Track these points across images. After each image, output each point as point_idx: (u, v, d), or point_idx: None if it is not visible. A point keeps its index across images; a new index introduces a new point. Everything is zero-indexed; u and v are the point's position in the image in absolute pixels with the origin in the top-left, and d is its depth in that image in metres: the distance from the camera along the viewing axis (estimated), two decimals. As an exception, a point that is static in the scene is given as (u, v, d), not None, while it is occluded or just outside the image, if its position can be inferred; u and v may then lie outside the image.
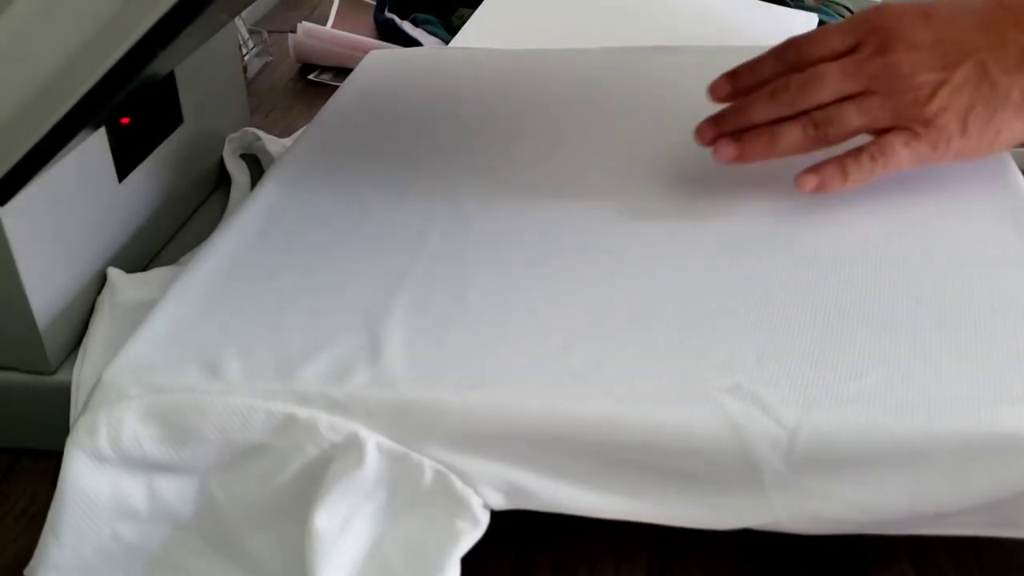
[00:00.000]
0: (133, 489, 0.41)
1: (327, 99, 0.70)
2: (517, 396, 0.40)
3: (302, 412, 0.40)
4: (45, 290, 0.50)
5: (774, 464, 0.38)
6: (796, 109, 0.50)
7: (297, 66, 0.98)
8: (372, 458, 0.40)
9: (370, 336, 0.44)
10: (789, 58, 0.52)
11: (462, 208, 0.54)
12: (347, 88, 0.71)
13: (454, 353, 0.43)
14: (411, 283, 0.48)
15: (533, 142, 0.61)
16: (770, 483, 0.39)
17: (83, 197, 0.53)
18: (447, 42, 0.95)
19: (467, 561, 0.40)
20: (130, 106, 0.56)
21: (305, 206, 0.56)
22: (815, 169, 0.50)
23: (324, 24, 0.98)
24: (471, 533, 0.40)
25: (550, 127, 0.63)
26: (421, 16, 0.99)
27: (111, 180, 0.55)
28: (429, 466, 0.40)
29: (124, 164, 0.56)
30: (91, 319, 0.52)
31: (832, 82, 0.50)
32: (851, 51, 0.50)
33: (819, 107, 0.50)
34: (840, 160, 0.50)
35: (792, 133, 0.50)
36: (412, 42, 0.94)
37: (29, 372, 0.51)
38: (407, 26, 0.97)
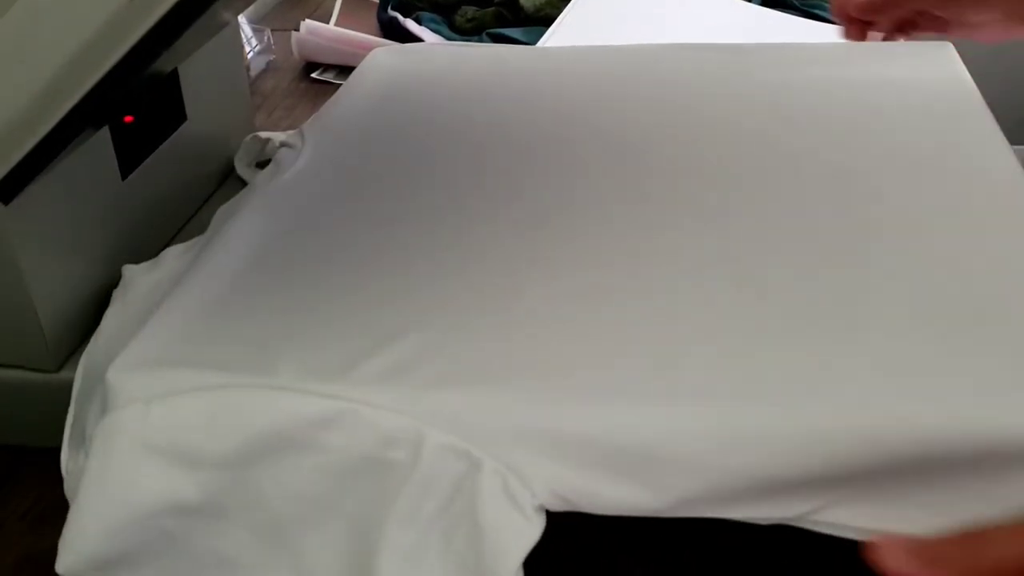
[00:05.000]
0: (181, 482, 0.41)
1: (330, 97, 0.70)
2: (577, 398, 0.40)
3: (360, 408, 0.40)
4: (48, 288, 0.49)
5: None
6: None
7: (300, 64, 0.97)
8: (430, 456, 0.39)
9: (425, 336, 0.43)
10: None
11: (465, 210, 0.53)
12: (350, 86, 0.71)
13: (514, 353, 0.42)
14: (464, 282, 0.47)
15: (541, 138, 0.61)
16: None
17: (86, 195, 0.52)
18: (450, 40, 0.95)
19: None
20: (133, 104, 0.56)
21: (308, 206, 0.55)
22: None
23: (327, 22, 0.98)
24: (528, 534, 0.39)
25: (558, 124, 0.63)
26: (425, 14, 0.99)
27: (114, 178, 0.55)
28: (488, 465, 0.39)
29: (127, 162, 0.56)
30: (104, 313, 0.51)
31: None
32: None
33: None
34: None
35: None
36: (416, 40, 0.94)
37: (32, 370, 0.50)
38: (410, 24, 0.97)
